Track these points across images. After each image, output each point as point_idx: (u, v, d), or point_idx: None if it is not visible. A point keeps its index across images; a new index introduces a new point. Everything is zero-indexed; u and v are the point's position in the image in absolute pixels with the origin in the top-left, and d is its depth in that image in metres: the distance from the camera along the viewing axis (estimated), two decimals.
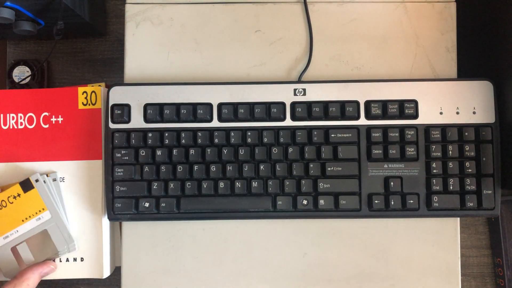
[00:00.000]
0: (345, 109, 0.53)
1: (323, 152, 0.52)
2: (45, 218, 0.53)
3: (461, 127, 0.53)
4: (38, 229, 0.53)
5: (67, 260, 0.54)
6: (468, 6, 0.61)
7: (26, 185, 0.53)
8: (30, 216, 0.53)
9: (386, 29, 0.56)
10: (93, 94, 0.55)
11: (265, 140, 0.53)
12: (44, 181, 0.53)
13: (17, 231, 0.53)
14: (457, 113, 0.53)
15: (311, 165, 0.52)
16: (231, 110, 0.53)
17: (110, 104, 0.54)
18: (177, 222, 0.54)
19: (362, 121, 0.53)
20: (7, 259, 0.53)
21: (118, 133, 0.53)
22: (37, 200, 0.53)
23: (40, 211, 0.53)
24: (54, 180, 0.54)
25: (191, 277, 0.54)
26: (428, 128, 0.53)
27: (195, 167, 0.53)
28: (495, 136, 0.52)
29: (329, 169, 0.52)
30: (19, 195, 0.53)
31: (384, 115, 0.53)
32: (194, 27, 0.56)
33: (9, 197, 0.53)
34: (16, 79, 0.66)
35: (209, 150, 0.53)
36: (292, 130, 0.53)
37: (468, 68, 0.60)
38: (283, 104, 0.53)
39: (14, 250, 0.53)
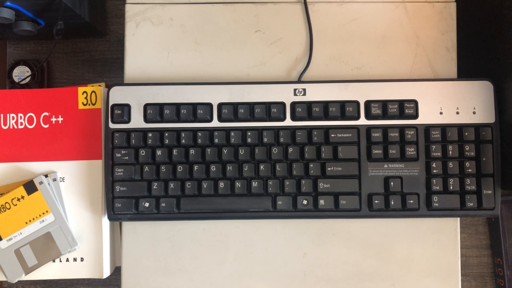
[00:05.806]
0: (345, 109, 0.53)
1: (323, 152, 0.52)
2: (49, 220, 0.53)
3: (461, 127, 0.53)
4: (42, 232, 0.53)
5: (67, 260, 0.54)
6: (468, 6, 0.61)
7: (30, 187, 0.53)
8: (33, 219, 0.53)
9: (386, 29, 0.56)
10: (93, 94, 0.55)
11: (265, 140, 0.53)
12: (48, 184, 0.53)
13: (21, 233, 0.53)
14: (457, 113, 0.53)
15: (311, 165, 0.52)
16: (231, 110, 0.53)
17: (110, 104, 0.54)
18: (177, 222, 0.54)
19: (362, 121, 0.53)
20: (10, 261, 0.53)
21: (118, 133, 0.53)
22: (40, 203, 0.53)
23: (43, 213, 0.53)
24: (54, 180, 0.54)
25: (191, 277, 0.54)
26: (428, 128, 0.53)
27: (195, 167, 0.53)
28: (495, 136, 0.52)
29: (329, 169, 0.52)
30: (23, 197, 0.53)
31: (384, 115, 0.53)
32: (194, 27, 0.56)
33: (13, 199, 0.53)
34: (16, 79, 0.66)
35: (209, 150, 0.53)
36: (292, 130, 0.53)
37: (468, 68, 0.60)
38: (283, 104, 0.53)
39: (17, 252, 0.53)
